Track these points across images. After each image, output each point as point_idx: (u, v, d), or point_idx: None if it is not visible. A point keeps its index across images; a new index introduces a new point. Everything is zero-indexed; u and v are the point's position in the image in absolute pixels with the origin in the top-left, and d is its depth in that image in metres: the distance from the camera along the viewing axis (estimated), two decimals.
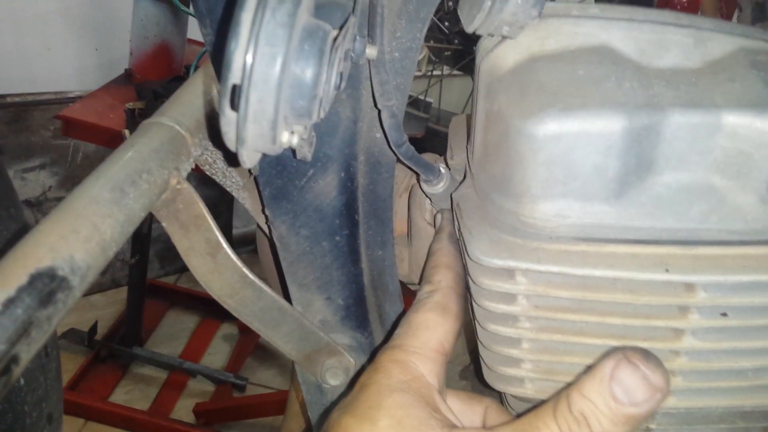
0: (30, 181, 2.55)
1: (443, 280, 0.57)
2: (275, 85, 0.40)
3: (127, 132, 2.01)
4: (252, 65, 0.39)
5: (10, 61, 2.44)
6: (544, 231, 0.53)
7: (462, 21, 0.55)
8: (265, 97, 0.40)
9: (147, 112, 2.02)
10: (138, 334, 2.50)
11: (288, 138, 0.44)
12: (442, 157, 0.70)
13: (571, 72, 0.53)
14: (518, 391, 0.59)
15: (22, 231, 0.72)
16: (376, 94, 0.57)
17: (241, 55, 0.39)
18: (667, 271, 0.51)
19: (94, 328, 2.47)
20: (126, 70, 2.27)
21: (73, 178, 2.68)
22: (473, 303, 0.57)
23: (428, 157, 0.72)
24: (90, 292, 2.73)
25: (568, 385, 0.46)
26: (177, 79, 2.17)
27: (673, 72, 0.55)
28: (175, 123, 0.60)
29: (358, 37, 0.53)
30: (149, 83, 2.12)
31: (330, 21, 0.51)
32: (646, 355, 0.44)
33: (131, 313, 2.44)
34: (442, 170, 0.64)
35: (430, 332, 0.52)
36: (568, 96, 0.51)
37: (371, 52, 0.54)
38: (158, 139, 0.58)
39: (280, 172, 0.61)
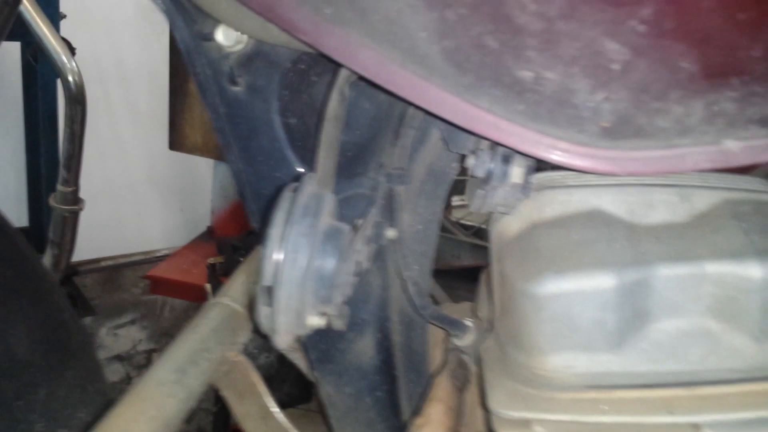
0: (122, 337, 2.72)
1: (433, 413, 0.61)
2: (299, 283, 0.49)
3: (209, 286, 2.16)
4: (281, 269, 0.48)
5: (104, 228, 2.68)
6: (555, 381, 0.59)
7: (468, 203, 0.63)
8: (292, 294, 0.49)
9: (227, 266, 2.17)
10: None
11: (317, 320, 0.52)
12: (470, 307, 0.76)
13: (566, 236, 0.60)
14: None
15: (106, 404, 0.81)
16: (400, 267, 0.65)
17: (272, 262, 0.48)
18: (671, 413, 0.55)
19: None
20: (208, 227, 2.45)
21: (161, 331, 2.84)
22: None
23: (461, 308, 0.79)
24: None
25: None
26: (252, 233, 2.34)
27: (661, 228, 0.61)
28: (232, 301, 0.69)
29: (379, 223, 0.62)
30: (228, 239, 2.29)
31: (354, 211, 0.61)
32: None
33: None
34: (469, 324, 0.70)
35: None
36: (563, 259, 0.58)
37: (391, 234, 0.63)
38: (217, 319, 0.67)
39: (323, 338, 0.69)
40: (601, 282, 0.56)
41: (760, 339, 0.56)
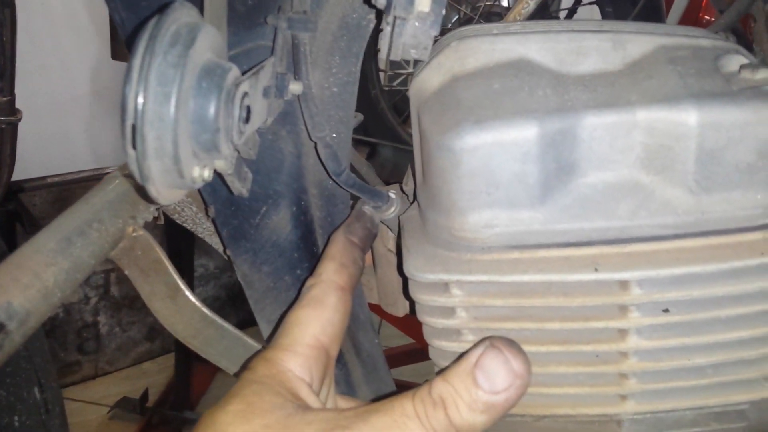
0: None
1: (324, 272, 0.56)
2: (171, 122, 0.43)
3: None
4: (144, 105, 0.42)
5: (50, 144, 2.57)
6: (476, 242, 0.54)
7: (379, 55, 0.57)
8: (162, 135, 0.43)
9: None
10: (188, 399, 2.53)
11: (200, 172, 0.47)
12: (398, 184, 0.71)
13: (487, 87, 0.55)
14: None
15: None
16: (309, 127, 0.59)
17: (134, 97, 0.42)
18: (596, 270, 0.52)
19: (145, 395, 2.51)
20: None
21: None
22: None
23: (391, 188, 0.74)
24: (141, 359, 2.80)
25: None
26: None
27: (591, 76, 0.55)
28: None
29: (280, 75, 0.56)
30: None
31: (250, 63, 0.54)
32: (510, 342, 0.44)
33: (180, 377, 2.49)
34: (392, 196, 0.65)
35: (302, 328, 0.52)
36: (483, 109, 0.53)
37: (296, 88, 0.56)
38: (114, 191, 0.61)
39: (234, 213, 0.64)
40: (522, 131, 0.51)
41: (695, 191, 0.52)
